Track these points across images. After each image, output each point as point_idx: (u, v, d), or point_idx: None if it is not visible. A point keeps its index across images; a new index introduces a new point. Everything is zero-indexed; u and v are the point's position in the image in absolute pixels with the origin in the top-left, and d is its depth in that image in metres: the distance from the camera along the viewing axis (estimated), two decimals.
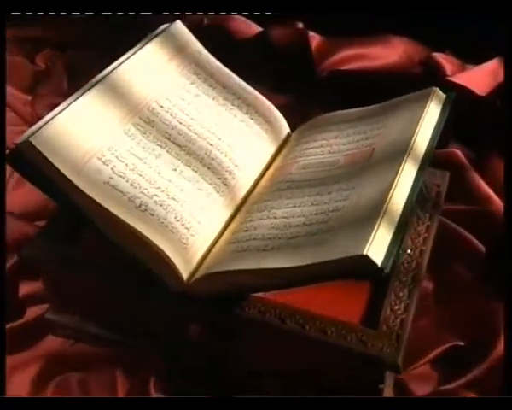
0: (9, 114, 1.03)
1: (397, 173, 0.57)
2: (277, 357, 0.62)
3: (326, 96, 1.09)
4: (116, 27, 1.09)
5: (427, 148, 0.62)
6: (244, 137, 0.71)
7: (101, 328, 0.70)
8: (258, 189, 0.69)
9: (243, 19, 1.28)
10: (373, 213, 0.53)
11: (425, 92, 0.68)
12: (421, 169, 0.59)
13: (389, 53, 1.19)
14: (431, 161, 0.86)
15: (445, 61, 1.13)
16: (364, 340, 0.57)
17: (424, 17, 1.17)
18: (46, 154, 0.57)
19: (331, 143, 0.69)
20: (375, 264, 0.49)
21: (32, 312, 0.74)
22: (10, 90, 1.07)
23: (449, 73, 1.10)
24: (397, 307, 0.60)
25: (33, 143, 0.57)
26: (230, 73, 0.77)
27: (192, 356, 0.66)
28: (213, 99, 0.73)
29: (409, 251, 0.65)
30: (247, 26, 1.26)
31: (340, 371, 0.60)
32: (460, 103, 1.00)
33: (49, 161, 0.57)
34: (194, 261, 0.61)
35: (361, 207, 0.55)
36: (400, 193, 0.56)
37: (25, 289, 0.76)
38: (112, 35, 1.06)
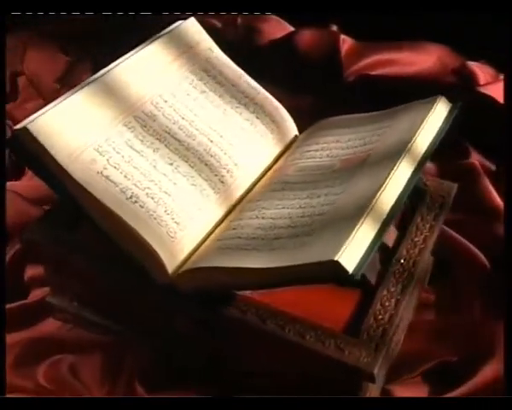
0: (39, 102, 1.06)
1: (387, 176, 0.57)
2: (260, 357, 0.62)
3: (351, 101, 1.08)
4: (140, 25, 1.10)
5: (424, 153, 0.61)
6: (247, 135, 0.72)
7: (97, 315, 0.71)
8: (256, 188, 0.68)
9: (277, 19, 1.28)
10: (354, 217, 0.53)
11: (430, 100, 0.66)
12: (414, 173, 0.58)
13: (422, 60, 1.17)
14: (446, 172, 0.86)
15: (479, 70, 1.11)
16: (342, 347, 0.56)
17: (462, 24, 1.15)
18: (41, 139, 0.58)
19: (331, 147, 0.68)
20: (346, 271, 0.48)
21: (36, 294, 0.76)
22: (42, 79, 1.11)
23: (482, 82, 1.08)
24: (380, 317, 0.59)
25: (30, 129, 0.58)
26: (241, 71, 0.77)
27: (182, 353, 0.67)
28: (220, 96, 0.73)
29: (402, 261, 0.64)
30: (280, 26, 1.27)
31: (320, 376, 0.59)
32: (488, 114, 0.99)
33: (44, 147, 0.58)
34: (182, 256, 0.61)
35: (344, 211, 0.55)
36: (388, 196, 0.55)
37: (31, 271, 0.78)
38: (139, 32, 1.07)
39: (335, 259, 0.48)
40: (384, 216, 0.53)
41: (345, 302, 0.62)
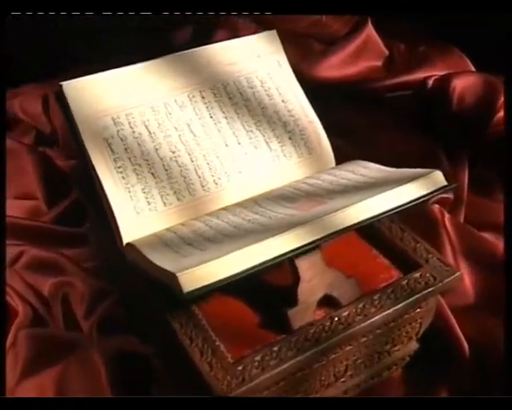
0: None
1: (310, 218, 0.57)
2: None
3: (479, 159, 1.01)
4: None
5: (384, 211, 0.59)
6: (268, 151, 0.74)
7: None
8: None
9: (462, 56, 1.22)
10: (241, 245, 0.54)
11: (426, 171, 0.62)
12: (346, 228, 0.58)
13: None
14: None
15: None
16: (213, 366, 0.58)
17: None
18: (68, 96, 0.70)
19: (321, 186, 0.68)
20: (180, 288, 0.51)
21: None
22: None
23: None
24: (268, 358, 0.59)
25: (63, 86, 0.70)
26: (300, 91, 0.79)
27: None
28: (262, 108, 0.76)
29: (345, 314, 0.62)
30: (460, 64, 1.20)
31: None
32: None
33: (68, 104, 0.70)
34: (145, 232, 0.68)
35: (243, 240, 0.56)
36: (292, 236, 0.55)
37: None
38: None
39: (176, 273, 0.51)
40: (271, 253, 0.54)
41: None
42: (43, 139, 1.06)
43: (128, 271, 0.69)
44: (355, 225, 0.58)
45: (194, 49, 0.77)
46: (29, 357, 0.69)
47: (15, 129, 1.08)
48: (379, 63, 1.26)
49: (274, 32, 0.81)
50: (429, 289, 0.65)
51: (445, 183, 0.62)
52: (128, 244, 0.66)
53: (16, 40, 1.05)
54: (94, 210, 0.78)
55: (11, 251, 0.81)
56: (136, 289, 0.70)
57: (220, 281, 0.52)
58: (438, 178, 0.62)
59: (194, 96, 0.75)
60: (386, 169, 0.68)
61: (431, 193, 0.60)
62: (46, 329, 0.74)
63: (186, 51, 0.77)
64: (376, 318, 0.63)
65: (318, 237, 0.56)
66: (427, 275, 0.66)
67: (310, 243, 0.55)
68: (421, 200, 0.60)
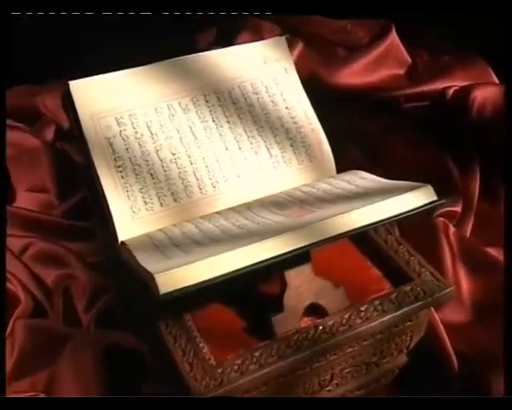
0: None
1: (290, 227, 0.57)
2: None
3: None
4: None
5: (367, 224, 0.59)
6: (267, 158, 0.75)
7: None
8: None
9: (487, 69, 1.20)
10: (222, 250, 0.55)
11: (416, 185, 0.62)
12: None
13: None
14: None
15: None
16: (194, 366, 0.59)
17: None
18: (73, 95, 0.71)
19: (315, 194, 0.68)
20: (157, 288, 0.52)
21: None
22: None
23: None
24: (248, 363, 0.59)
25: (69, 84, 0.72)
26: (304, 98, 0.79)
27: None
28: (266, 114, 0.77)
29: (330, 323, 0.62)
30: (485, 76, 1.19)
31: None
32: None
33: (73, 102, 0.72)
34: (141, 232, 0.69)
35: (229, 244, 0.57)
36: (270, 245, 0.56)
37: None
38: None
39: (154, 274, 0.52)
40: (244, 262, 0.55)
41: None
42: (62, 134, 1.09)
43: (124, 269, 0.71)
44: (339, 235, 0.58)
45: (201, 53, 0.78)
46: (25, 347, 0.71)
47: (36, 123, 1.10)
48: (401, 72, 1.25)
49: (282, 38, 0.81)
50: (418, 303, 0.65)
51: (435, 198, 0.61)
52: (122, 243, 0.67)
53: (16, 40, 1.08)
54: (99, 207, 0.81)
55: (19, 242, 0.84)
56: (130, 287, 0.71)
57: (198, 284, 0.53)
58: (428, 192, 0.61)
59: (198, 100, 0.76)
60: (381, 181, 0.68)
61: (418, 208, 0.60)
62: (44, 321, 0.76)
63: (192, 55, 0.78)
64: (361, 329, 0.63)
65: (301, 245, 0.56)
66: (418, 289, 0.66)
67: (293, 251, 0.56)
68: (407, 214, 0.60)
